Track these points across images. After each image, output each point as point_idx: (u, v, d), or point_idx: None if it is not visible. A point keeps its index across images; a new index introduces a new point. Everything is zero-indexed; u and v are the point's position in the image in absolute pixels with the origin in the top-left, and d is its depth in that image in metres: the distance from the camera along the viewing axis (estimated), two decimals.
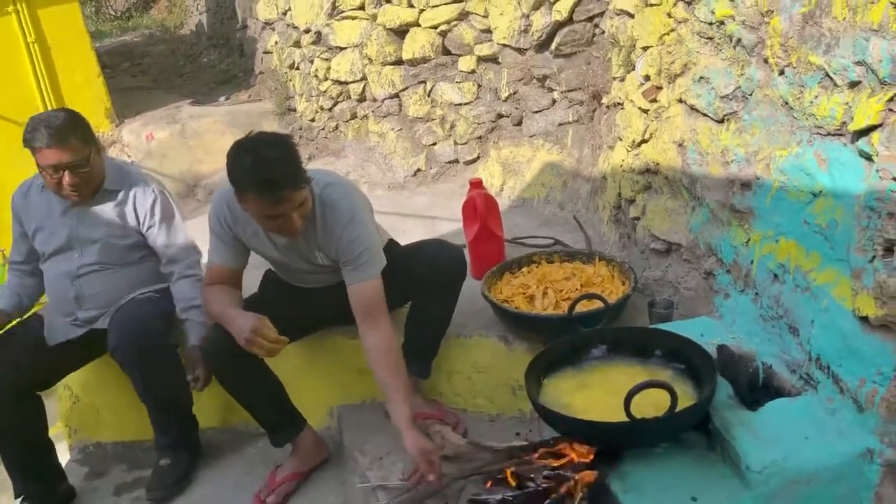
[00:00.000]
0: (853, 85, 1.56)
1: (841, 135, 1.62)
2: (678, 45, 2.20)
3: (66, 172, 2.22)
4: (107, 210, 2.37)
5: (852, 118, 1.56)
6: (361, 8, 3.96)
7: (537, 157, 3.37)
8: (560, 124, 3.28)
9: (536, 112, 3.38)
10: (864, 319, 1.54)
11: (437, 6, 3.61)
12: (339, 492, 2.27)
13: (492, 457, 1.95)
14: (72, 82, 4.73)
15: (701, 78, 2.10)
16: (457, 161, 3.79)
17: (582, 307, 2.05)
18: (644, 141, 2.46)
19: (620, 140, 2.66)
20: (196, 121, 4.68)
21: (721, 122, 2.04)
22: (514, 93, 3.48)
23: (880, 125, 1.50)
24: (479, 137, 3.66)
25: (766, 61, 1.85)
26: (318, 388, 2.54)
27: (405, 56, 3.79)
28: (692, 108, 2.16)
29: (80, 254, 2.36)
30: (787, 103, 1.78)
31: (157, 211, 2.40)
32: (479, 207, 2.65)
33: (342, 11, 4.05)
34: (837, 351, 1.62)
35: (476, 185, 2.72)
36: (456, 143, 3.75)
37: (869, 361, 1.53)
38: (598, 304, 2.04)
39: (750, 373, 1.87)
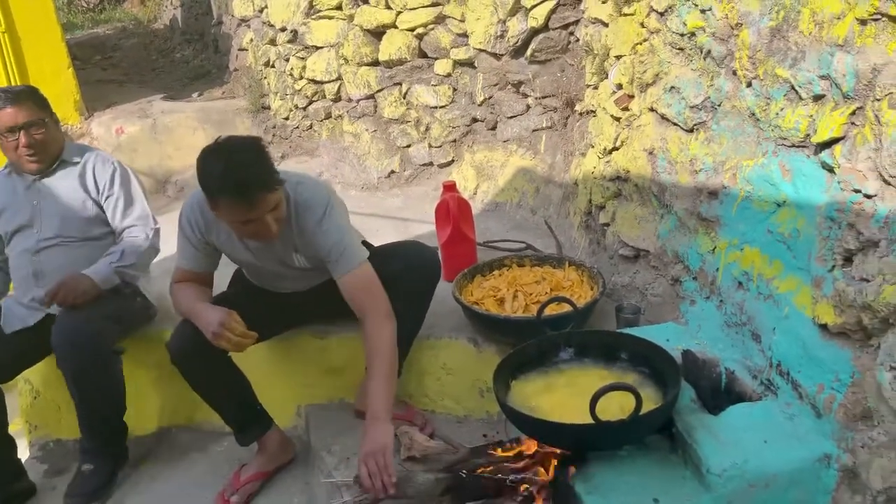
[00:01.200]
0: (817, 98, 1.60)
1: (805, 146, 1.67)
2: (650, 54, 2.24)
3: (22, 133, 2.29)
4: (67, 180, 2.42)
5: (816, 131, 1.60)
6: (339, 8, 3.95)
7: (511, 162, 3.40)
8: (534, 130, 3.31)
9: (511, 117, 3.41)
10: (824, 327, 1.58)
11: (414, 9, 3.62)
12: (304, 492, 2.26)
13: (459, 457, 1.96)
14: (41, 73, 4.63)
15: (672, 87, 2.14)
16: (431, 164, 3.80)
17: (551, 311, 2.07)
18: (615, 148, 2.49)
19: (592, 147, 2.69)
20: (168, 116, 4.62)
21: (690, 131, 2.08)
22: (490, 97, 3.50)
23: (842, 138, 1.54)
24: (454, 141, 3.68)
25: (734, 73, 1.89)
26: (286, 387, 2.52)
27: (381, 57, 3.79)
28: (663, 117, 2.20)
29: (40, 229, 2.38)
30: (753, 114, 1.82)
31: (116, 180, 2.43)
32: (452, 210, 2.67)
33: (319, 11, 4.04)
34: (797, 357, 1.66)
35: (449, 188, 2.73)
36: (430, 146, 3.76)
37: (827, 368, 1.57)
38: (566, 308, 2.06)
39: (713, 378, 1.91)
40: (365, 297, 2.01)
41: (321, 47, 4.07)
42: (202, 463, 2.50)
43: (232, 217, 1.88)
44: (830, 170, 1.58)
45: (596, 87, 2.74)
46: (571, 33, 3.10)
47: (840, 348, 1.55)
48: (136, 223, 2.46)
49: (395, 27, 3.71)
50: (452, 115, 3.66)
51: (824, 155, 1.58)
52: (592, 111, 2.76)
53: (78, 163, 2.43)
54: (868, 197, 1.46)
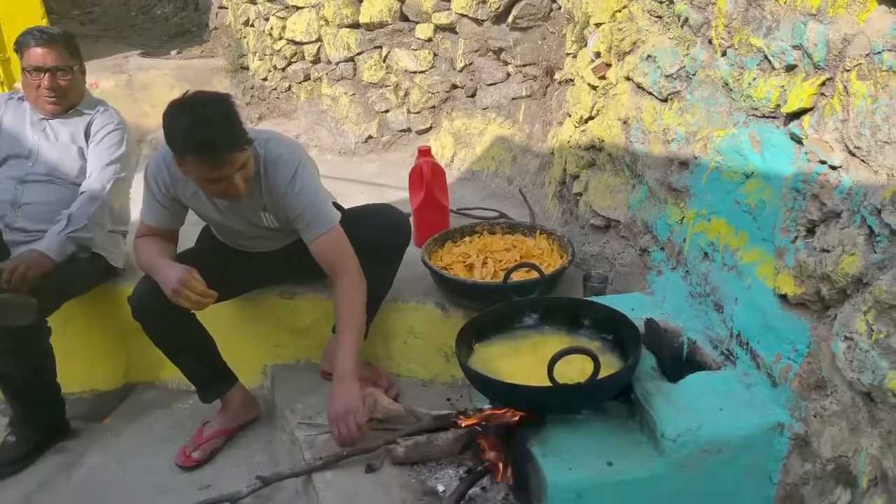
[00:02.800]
0: (790, 68, 1.60)
1: (775, 117, 1.66)
2: (629, 22, 2.21)
3: (47, 75, 2.34)
4: (73, 128, 2.44)
5: (786, 101, 1.59)
6: None
7: (489, 130, 3.37)
8: (513, 98, 3.28)
9: (490, 85, 3.38)
10: (784, 298, 1.59)
11: None
12: (266, 450, 2.26)
13: (421, 422, 1.97)
14: (13, 24, 4.50)
15: (648, 56, 2.12)
16: (409, 130, 3.76)
17: (518, 277, 2.07)
18: (591, 118, 2.47)
19: (569, 116, 2.67)
20: (144, 73, 4.53)
21: (665, 101, 2.07)
22: (470, 64, 3.46)
23: (811, 109, 1.53)
24: (433, 107, 3.64)
25: (710, 42, 1.88)
26: (251, 346, 2.51)
27: (362, 20, 3.73)
28: (638, 86, 2.18)
29: (35, 163, 2.40)
30: (727, 84, 1.81)
31: (106, 130, 2.42)
32: (426, 175, 2.64)
33: None
34: (757, 328, 1.67)
35: (424, 152, 2.71)
36: (409, 112, 3.72)
37: (785, 338, 1.58)
38: (533, 275, 2.06)
39: (675, 347, 1.92)
40: (336, 259, 2.00)
41: (302, 7, 3.99)
42: (166, 420, 2.49)
43: (198, 175, 1.85)
44: (799, 141, 1.58)
45: (575, 56, 2.72)
46: (554, 0, 3.06)
47: (798, 319, 1.56)
48: (105, 168, 2.41)
49: None
50: (432, 81, 3.62)
51: (793, 126, 1.58)
52: (571, 80, 2.73)
53: (88, 115, 2.46)
54: (833, 168, 1.46)
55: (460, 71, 3.51)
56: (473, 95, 3.51)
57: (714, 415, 1.60)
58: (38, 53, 2.32)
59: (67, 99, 2.42)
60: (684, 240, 1.97)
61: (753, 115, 1.72)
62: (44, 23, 4.63)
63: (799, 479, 1.53)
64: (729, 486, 1.59)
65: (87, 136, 2.45)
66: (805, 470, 1.52)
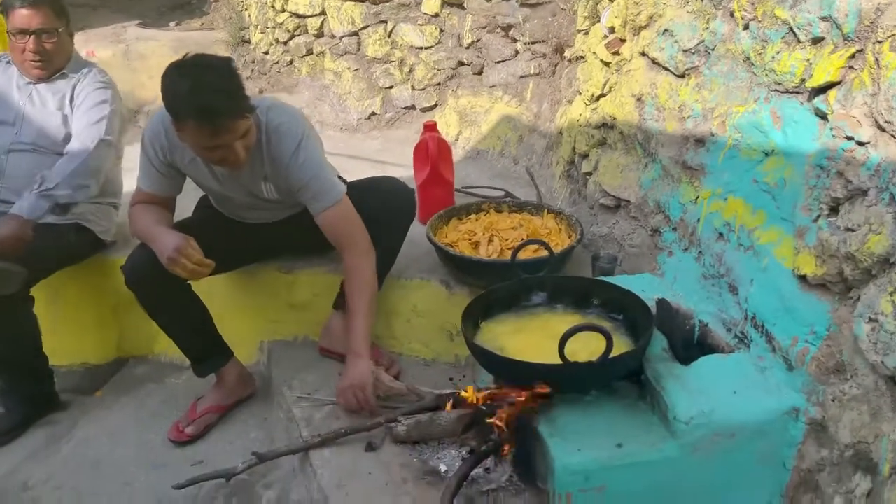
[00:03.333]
0: (816, 41, 1.54)
1: (798, 93, 1.60)
2: None
3: (32, 38, 2.24)
4: (59, 93, 2.35)
5: (812, 75, 1.54)
6: None
7: (495, 109, 3.30)
8: (521, 76, 3.21)
9: (498, 62, 3.31)
10: (803, 279, 1.54)
11: None
12: (262, 427, 2.21)
13: (423, 400, 1.92)
14: None
15: (666, 30, 2.05)
16: (413, 107, 3.68)
17: (526, 255, 2.01)
18: (602, 95, 2.41)
19: (580, 94, 2.61)
20: (143, 43, 4.43)
21: (682, 76, 2.01)
22: (477, 40, 3.38)
23: (839, 83, 1.48)
24: (438, 84, 3.57)
25: (731, 15, 1.81)
26: (248, 321, 2.45)
27: None
28: (654, 61, 2.12)
29: (20, 131, 2.31)
30: (748, 59, 1.75)
31: (90, 88, 2.33)
32: (431, 150, 2.58)
33: None
34: (773, 310, 1.62)
35: (430, 127, 2.64)
36: (414, 89, 3.65)
37: (803, 320, 1.53)
38: (542, 253, 2.00)
39: (686, 330, 1.87)
40: (345, 232, 1.96)
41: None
42: (158, 394, 2.44)
43: (197, 142, 1.78)
44: (823, 116, 1.52)
45: (587, 33, 2.65)
46: None
47: (818, 300, 1.51)
48: (88, 128, 2.30)
49: None
50: (438, 57, 3.54)
51: (818, 101, 1.52)
52: (582, 57, 2.67)
53: (74, 77, 2.36)
54: (860, 144, 1.40)
55: (467, 48, 3.43)
56: (480, 73, 3.44)
57: (727, 398, 1.55)
58: (22, 15, 2.22)
59: (53, 63, 2.32)
60: (698, 219, 1.91)
61: (776, 90, 1.66)
62: None
63: (815, 465, 1.49)
64: (741, 471, 1.54)
65: (72, 99, 2.35)
66: (821, 456, 1.47)
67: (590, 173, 2.45)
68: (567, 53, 2.84)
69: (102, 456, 2.18)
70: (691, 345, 1.85)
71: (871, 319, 1.34)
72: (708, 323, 1.82)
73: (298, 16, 3.98)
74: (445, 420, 1.80)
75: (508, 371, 1.62)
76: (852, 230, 1.39)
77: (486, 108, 3.34)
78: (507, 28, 3.23)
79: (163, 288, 1.99)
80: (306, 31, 4.00)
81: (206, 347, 2.17)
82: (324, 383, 2.12)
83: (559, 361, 1.47)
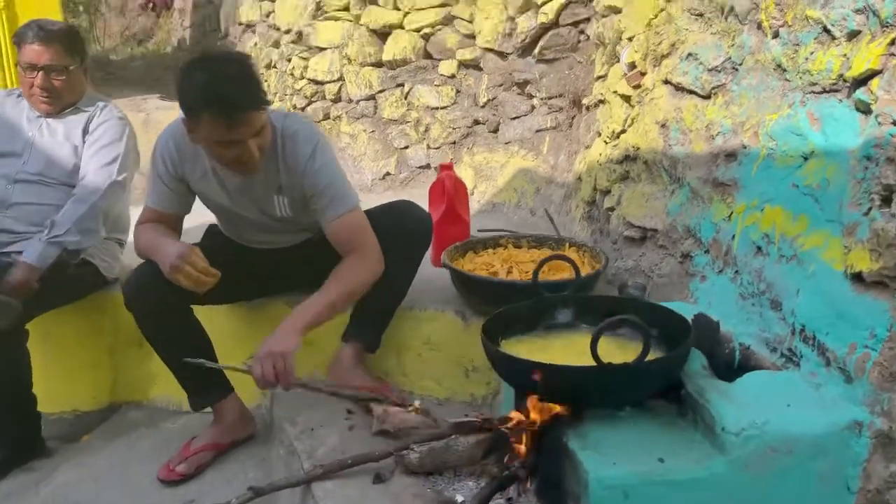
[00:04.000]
0: (852, 35, 1.49)
1: (836, 90, 1.54)
2: (667, 24, 2.14)
3: (41, 74, 2.21)
4: (70, 127, 2.31)
5: (850, 67, 1.47)
6: (346, 9, 3.90)
7: (511, 163, 3.27)
8: (537, 130, 3.20)
9: (514, 118, 3.31)
10: (857, 278, 1.41)
11: (422, 9, 3.56)
12: (261, 467, 2.02)
13: (440, 432, 1.75)
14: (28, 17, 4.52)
15: (689, 55, 2.03)
16: (428, 166, 3.67)
17: (549, 277, 1.90)
18: (623, 131, 2.36)
19: (599, 135, 2.57)
20: (162, 112, 4.50)
21: (707, 97, 1.96)
22: (493, 98, 3.40)
23: (880, 72, 1.41)
24: (454, 142, 3.56)
25: (759, 27, 1.78)
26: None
27: (385, 57, 3.71)
28: (678, 87, 2.08)
29: (27, 161, 2.27)
30: (779, 66, 1.70)
31: (105, 126, 2.29)
32: (448, 188, 2.52)
33: (326, 12, 3.99)
34: (824, 318, 1.48)
35: (447, 167, 2.59)
36: (429, 147, 3.64)
37: (860, 324, 1.39)
38: (566, 275, 1.88)
39: (725, 354, 1.72)
40: (356, 240, 1.86)
41: (325, 48, 4.00)
42: (150, 439, 2.26)
43: (212, 136, 1.71)
44: (866, 110, 1.44)
45: (605, 77, 2.65)
46: (582, 31, 3.03)
47: (875, 300, 1.37)
48: (99, 170, 2.27)
49: (402, 27, 3.65)
50: (454, 116, 3.55)
51: (859, 93, 1.45)
52: (601, 101, 2.65)
53: (87, 112, 2.33)
54: None
55: (483, 106, 3.45)
56: (496, 130, 3.44)
57: (781, 410, 1.39)
58: (33, 50, 2.20)
59: (62, 99, 2.29)
60: (733, 237, 1.80)
61: (812, 91, 1.59)
62: (57, 17, 4.63)
63: (883, 483, 1.31)
64: (799, 495, 1.36)
65: (85, 132, 2.32)
66: (890, 472, 1.30)
67: (612, 208, 2.36)
68: (585, 101, 2.83)
69: (85, 499, 1.98)
70: (732, 370, 1.69)
71: None
72: (750, 345, 1.67)
73: (317, 82, 4.05)
74: (463, 446, 1.63)
75: (528, 377, 1.46)
76: None
77: (502, 162, 3.32)
78: (522, 84, 3.25)
79: (164, 307, 1.87)
80: (324, 97, 4.06)
81: (205, 378, 2.02)
82: (329, 419, 1.96)
83: None
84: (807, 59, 1.60)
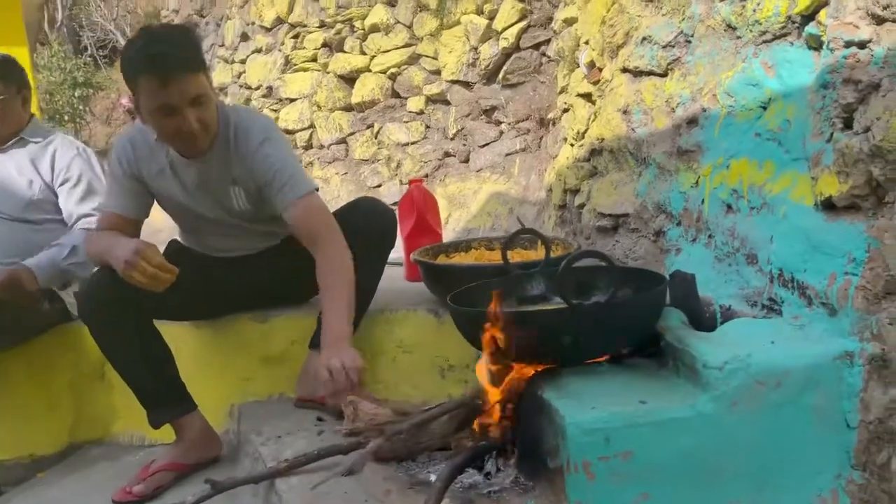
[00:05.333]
0: None
1: (786, 34, 1.54)
2: (619, 15, 2.17)
3: None
4: (17, 159, 2.23)
5: (797, 5, 1.48)
6: (314, 60, 3.99)
7: (484, 189, 3.26)
8: (507, 154, 3.21)
9: (483, 146, 3.32)
10: (829, 207, 1.37)
11: (388, 51, 3.64)
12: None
13: (413, 420, 1.64)
14: None
15: (643, 39, 2.05)
16: None
17: (520, 258, 1.84)
18: (587, 129, 2.36)
19: (565, 140, 2.57)
20: None
21: (665, 74, 1.96)
22: (462, 129, 3.43)
23: (826, 2, 1.42)
24: (426, 175, 3.56)
25: None
26: (217, 381, 2.18)
27: (354, 100, 3.77)
28: (635, 71, 2.09)
29: None
30: (729, 25, 1.71)
31: (77, 164, 2.23)
32: (417, 199, 2.48)
33: (295, 65, 4.07)
34: (801, 255, 1.42)
35: (416, 181, 2.57)
36: (401, 183, 3.64)
37: (837, 252, 1.33)
38: (536, 252, 1.82)
39: (707, 318, 1.64)
40: (318, 224, 1.79)
41: (295, 99, 4.06)
42: (108, 470, 2.10)
43: (149, 103, 1.67)
44: (817, 45, 1.44)
45: (566, 90, 2.67)
46: (543, 53, 3.09)
47: (850, 224, 1.32)
48: (95, 213, 2.20)
49: (369, 70, 3.72)
50: (424, 150, 3.57)
51: (809, 27, 1.45)
52: (565, 109, 2.66)
53: (38, 143, 2.27)
54: (861, 47, 1.31)
55: (452, 138, 3.47)
56: (467, 160, 3.45)
57: (766, 347, 1.31)
58: None
59: (1, 129, 2.22)
60: (702, 201, 1.76)
61: (763, 41, 1.60)
62: (22, 52, 4.59)
63: (884, 411, 1.22)
64: (796, 435, 1.26)
65: (37, 165, 2.24)
66: (890, 397, 1.21)
67: (583, 205, 2.33)
68: (550, 115, 2.84)
69: None
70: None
71: None
72: (730, 305, 1.60)
73: (288, 131, 4.08)
74: (437, 425, 1.52)
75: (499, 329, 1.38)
76: (872, 126, 1.25)
77: (475, 189, 3.31)
78: (490, 111, 3.28)
79: (122, 315, 1.78)
80: (295, 145, 4.08)
81: (166, 391, 1.90)
82: (297, 426, 1.84)
83: None
84: (754, 10, 1.61)
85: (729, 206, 1.67)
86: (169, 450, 1.93)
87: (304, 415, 1.94)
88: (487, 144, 3.31)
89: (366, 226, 1.93)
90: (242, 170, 1.83)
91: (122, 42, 10.91)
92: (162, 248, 2.11)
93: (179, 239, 2.15)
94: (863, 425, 1.25)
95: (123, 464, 2.15)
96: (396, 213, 2.55)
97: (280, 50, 4.15)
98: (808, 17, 1.46)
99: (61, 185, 2.23)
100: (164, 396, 1.91)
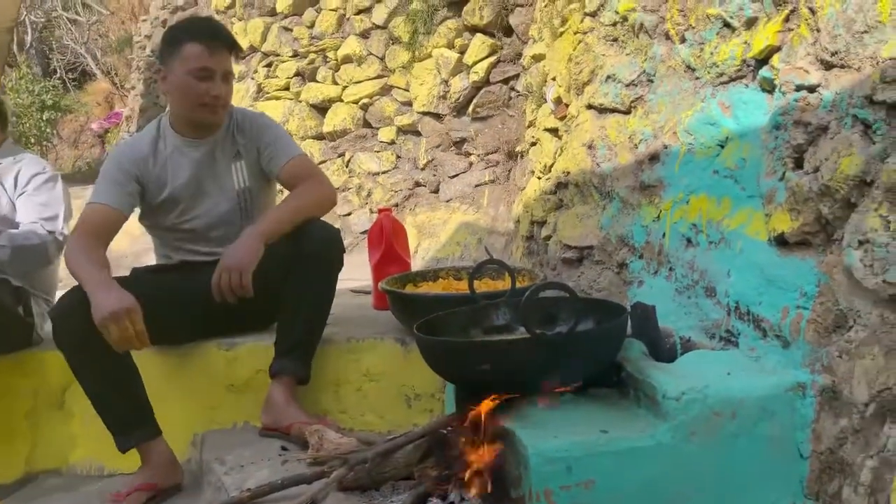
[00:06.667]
0: (750, 23, 1.58)
1: (742, 76, 1.61)
2: (585, 53, 2.24)
3: None
4: None
5: (751, 50, 1.55)
6: (286, 88, 4.01)
7: (453, 219, 3.30)
8: (476, 185, 3.26)
9: (453, 177, 3.37)
10: (781, 242, 1.42)
11: (360, 82, 3.69)
12: None
13: (377, 449, 1.64)
14: None
15: (608, 77, 2.11)
16: None
17: (487, 288, 1.86)
18: (554, 163, 2.42)
19: (533, 173, 2.62)
20: None
21: (628, 112, 2.03)
22: (432, 160, 3.47)
23: (779, 48, 1.49)
24: (396, 205, 3.59)
25: (667, 36, 1.88)
26: (181, 409, 2.14)
27: (326, 129, 3.79)
28: (600, 108, 2.15)
29: None
30: (689, 67, 1.78)
31: (38, 180, 2.20)
32: (386, 227, 2.49)
33: (267, 93, 4.09)
34: (755, 289, 1.47)
35: (384, 210, 2.58)
36: (371, 212, 3.66)
37: (790, 286, 1.39)
38: (503, 281, 1.85)
39: (667, 349, 1.68)
40: (308, 173, 1.99)
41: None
42: (65, 500, 2.05)
43: (188, 65, 1.85)
44: (770, 88, 1.51)
45: (534, 124, 2.73)
46: (512, 88, 3.16)
47: (801, 260, 1.38)
48: (42, 223, 2.18)
49: (341, 100, 3.76)
50: (395, 180, 3.60)
51: (763, 71, 1.52)
52: (533, 143, 2.72)
53: (8, 161, 2.25)
54: (811, 90, 1.38)
55: (422, 168, 3.51)
56: (436, 191, 3.49)
57: (722, 378, 1.35)
58: None
59: None
60: (663, 234, 1.81)
61: (720, 82, 1.67)
62: None
63: (835, 441, 1.25)
64: (750, 463, 1.30)
65: (2, 181, 2.22)
66: (840, 427, 1.25)
67: (549, 236, 2.37)
68: (519, 148, 2.90)
69: None
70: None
71: (860, 243, 1.21)
72: (690, 337, 1.65)
73: None
74: (402, 454, 1.52)
75: (462, 361, 1.40)
76: (821, 166, 1.31)
77: (444, 219, 3.34)
78: (459, 143, 3.33)
79: (97, 335, 1.75)
80: None
81: (135, 415, 1.87)
82: (261, 455, 1.82)
83: None
84: (712, 53, 1.68)
85: (689, 240, 1.73)
86: (136, 475, 1.89)
87: (268, 444, 1.92)
88: (457, 175, 3.35)
89: (311, 247, 1.92)
90: (244, 140, 2.02)
91: (93, 66, 10.89)
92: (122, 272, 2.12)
93: (157, 255, 2.19)
94: (815, 455, 1.29)
95: (82, 495, 2.09)
96: (365, 240, 2.58)
97: (253, 78, 4.18)
98: (762, 61, 1.53)
99: (20, 195, 2.22)
100: (134, 419, 1.87)
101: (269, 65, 4.18)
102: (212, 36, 1.89)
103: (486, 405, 1.40)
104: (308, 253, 1.88)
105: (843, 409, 1.25)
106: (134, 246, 4.12)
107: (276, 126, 2.09)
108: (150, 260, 2.33)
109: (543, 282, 1.38)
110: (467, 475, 1.40)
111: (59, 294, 2.42)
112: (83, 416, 2.11)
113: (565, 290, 1.31)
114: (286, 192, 2.06)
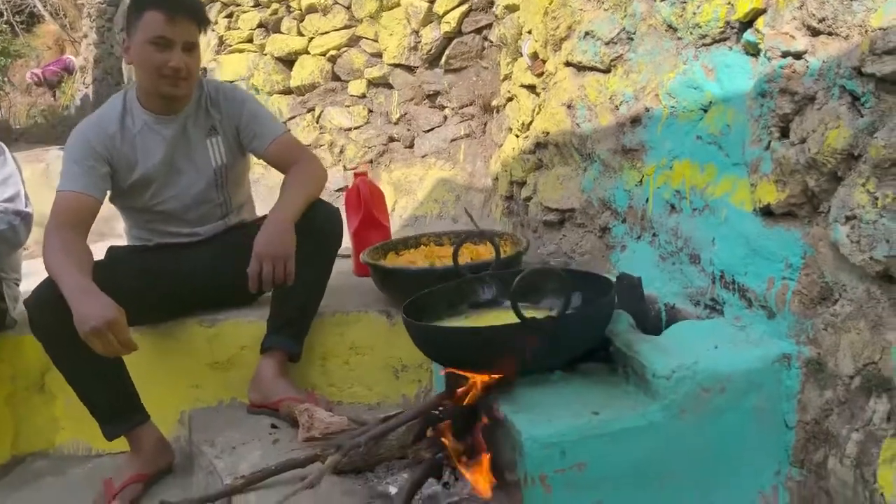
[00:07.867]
0: None
1: (725, 38, 1.56)
2: (562, 8, 2.16)
3: None
4: None
5: (735, 12, 1.50)
6: (249, 41, 3.86)
7: (430, 175, 3.25)
8: (452, 140, 3.20)
9: (428, 131, 3.30)
10: (767, 213, 1.41)
11: (326, 33, 3.55)
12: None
13: (370, 431, 1.64)
14: None
15: (586, 33, 2.05)
16: (346, 187, 3.59)
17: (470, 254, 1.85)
18: (532, 121, 2.37)
19: (510, 130, 2.57)
20: None
21: (608, 70, 1.97)
22: (405, 114, 3.39)
23: (764, 10, 1.44)
24: (370, 161, 3.52)
25: None
26: (166, 389, 2.13)
27: (293, 84, 3.67)
28: (579, 66, 2.09)
29: None
30: (670, 26, 1.72)
31: None
32: (364, 194, 2.45)
33: (229, 45, 3.93)
34: (741, 259, 1.47)
35: (360, 174, 2.53)
36: (345, 169, 3.59)
37: (775, 257, 1.39)
38: (487, 252, 1.84)
39: (652, 317, 1.69)
40: (297, 154, 1.99)
41: (232, 81, 3.92)
42: (56, 487, 2.05)
43: (148, 34, 1.80)
44: (755, 52, 1.47)
45: (510, 76, 2.66)
46: (485, 38, 3.07)
47: (787, 230, 1.37)
48: (5, 204, 2.12)
49: (308, 53, 3.62)
50: (368, 135, 3.52)
51: (747, 34, 1.47)
52: (509, 98, 2.66)
53: None
54: (797, 57, 1.34)
55: (396, 123, 3.43)
56: (411, 146, 3.42)
57: (709, 352, 1.36)
58: None
59: None
60: (647, 200, 1.80)
61: (703, 44, 1.62)
62: None
63: (820, 412, 1.28)
64: (739, 436, 1.32)
65: None
66: (825, 399, 1.27)
67: (529, 197, 2.35)
68: (494, 102, 2.84)
69: None
70: (660, 330, 1.67)
71: (847, 218, 1.20)
72: (674, 304, 1.66)
73: None
74: (395, 435, 1.53)
75: (454, 346, 1.39)
76: (808, 138, 1.30)
77: (421, 175, 3.29)
78: (433, 96, 3.25)
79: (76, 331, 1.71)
80: None
81: (121, 403, 1.85)
82: (252, 435, 1.82)
83: None
84: (694, 13, 1.63)
85: (672, 206, 1.71)
86: (127, 464, 1.89)
87: (257, 422, 1.92)
88: (432, 129, 3.28)
89: (310, 226, 1.90)
90: (220, 114, 1.96)
91: (41, 8, 10.35)
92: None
93: (126, 236, 2.13)
94: (800, 425, 1.32)
95: (71, 476, 2.10)
96: (343, 207, 2.53)
97: (213, 30, 4.00)
98: (747, 23, 1.48)
99: None
100: (120, 408, 1.87)
101: (229, 15, 4.00)
102: (173, 3, 1.81)
103: (477, 385, 1.41)
104: (312, 230, 1.88)
105: (829, 381, 1.27)
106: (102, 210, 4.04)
107: (251, 99, 2.05)
108: (120, 223, 2.26)
109: (530, 268, 1.35)
110: (460, 456, 1.42)
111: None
112: (65, 399, 2.09)
113: (552, 273, 1.29)
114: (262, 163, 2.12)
